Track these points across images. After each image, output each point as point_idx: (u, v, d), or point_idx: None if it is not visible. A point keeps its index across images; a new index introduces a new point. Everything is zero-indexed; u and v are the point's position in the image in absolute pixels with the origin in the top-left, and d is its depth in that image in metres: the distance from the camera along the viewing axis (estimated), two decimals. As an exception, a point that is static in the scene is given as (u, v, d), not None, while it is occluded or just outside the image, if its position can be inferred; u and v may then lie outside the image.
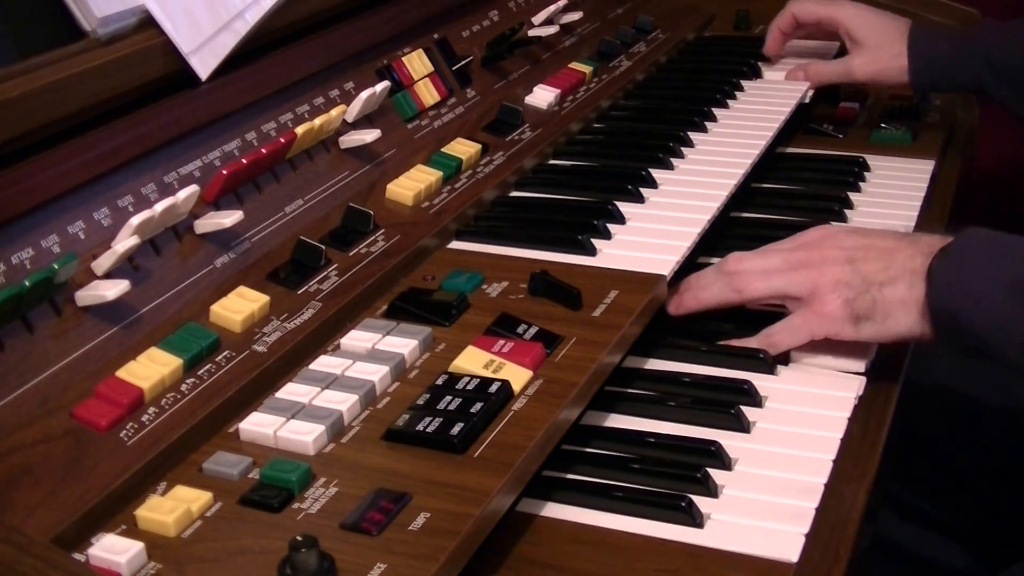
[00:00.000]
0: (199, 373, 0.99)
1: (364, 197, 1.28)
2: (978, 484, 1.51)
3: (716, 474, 1.04)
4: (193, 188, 1.08)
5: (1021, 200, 2.32)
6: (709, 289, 1.23)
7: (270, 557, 0.80)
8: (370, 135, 1.31)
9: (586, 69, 1.72)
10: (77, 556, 0.82)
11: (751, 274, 1.20)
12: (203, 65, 1.16)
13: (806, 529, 0.97)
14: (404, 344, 1.07)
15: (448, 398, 0.99)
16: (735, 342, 1.22)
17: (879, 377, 1.19)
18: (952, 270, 1.10)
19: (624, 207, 1.37)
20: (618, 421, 1.14)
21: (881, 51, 1.74)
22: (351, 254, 1.19)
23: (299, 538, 0.78)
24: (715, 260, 1.40)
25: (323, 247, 1.16)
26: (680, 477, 1.03)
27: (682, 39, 1.99)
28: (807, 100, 1.81)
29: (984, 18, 1.74)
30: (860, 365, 1.19)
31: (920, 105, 1.87)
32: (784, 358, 1.21)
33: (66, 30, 1.09)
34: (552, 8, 1.72)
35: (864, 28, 1.76)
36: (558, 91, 1.62)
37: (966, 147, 1.85)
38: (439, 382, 1.03)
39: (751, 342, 1.21)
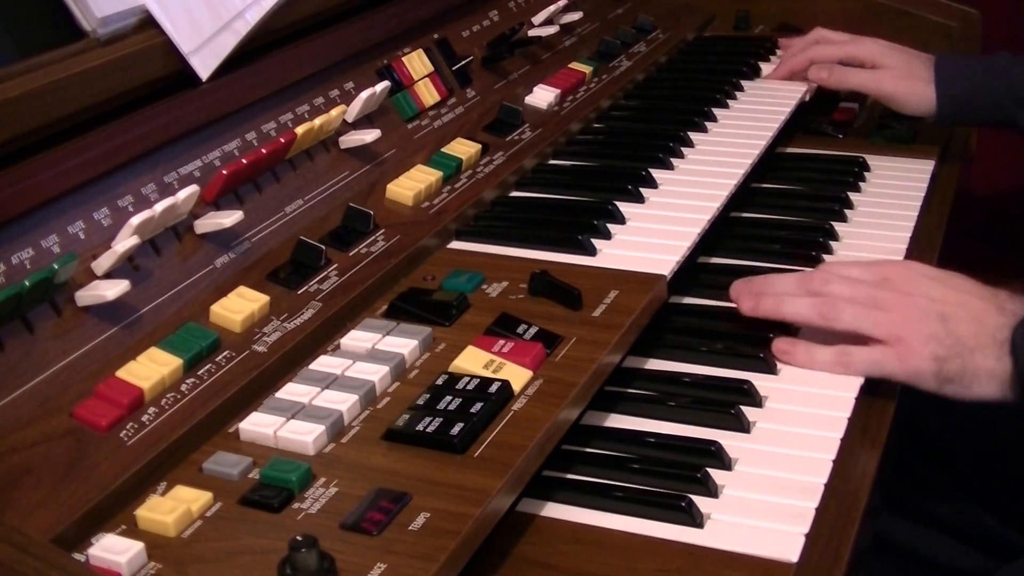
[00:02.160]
0: (199, 373, 0.99)
1: (364, 197, 1.28)
2: (979, 483, 1.51)
3: (716, 474, 1.04)
4: (193, 188, 1.08)
5: (1021, 200, 2.32)
6: (792, 304, 1.20)
7: (270, 557, 0.80)
8: (370, 135, 1.31)
9: (586, 69, 1.72)
10: (77, 556, 0.82)
11: (840, 302, 1.18)
12: (203, 65, 1.16)
13: (806, 529, 0.97)
14: (404, 344, 1.07)
15: (448, 398, 0.99)
16: (800, 353, 1.19)
17: (878, 379, 1.19)
18: None
19: (624, 207, 1.37)
20: (618, 421, 1.14)
21: (911, 78, 1.70)
22: (351, 254, 1.19)
23: (299, 538, 0.78)
24: (715, 260, 1.40)
25: (323, 247, 1.16)
26: (680, 477, 1.03)
27: (682, 39, 1.99)
28: (807, 99, 1.80)
29: (1001, 52, 1.70)
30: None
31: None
32: None
33: (66, 30, 1.09)
34: (552, 8, 1.72)
35: (890, 58, 1.73)
36: (558, 91, 1.62)
37: (966, 147, 1.84)
38: (439, 382, 1.03)
39: (823, 352, 1.18)
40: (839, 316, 1.18)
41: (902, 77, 1.71)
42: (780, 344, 1.21)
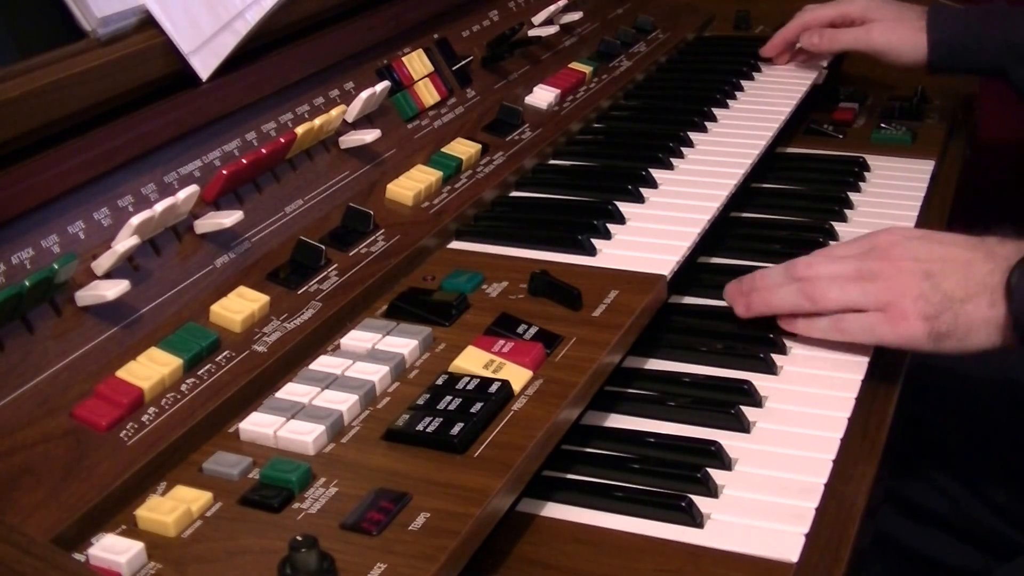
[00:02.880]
0: (199, 373, 0.99)
1: (364, 197, 1.28)
2: (980, 482, 1.51)
3: (716, 474, 1.04)
4: (193, 188, 1.08)
5: (1021, 198, 2.32)
6: (779, 294, 1.21)
7: (270, 557, 0.80)
8: (370, 135, 1.31)
9: (586, 69, 1.72)
10: (77, 556, 0.82)
11: (824, 281, 1.19)
12: (203, 65, 1.16)
13: (806, 529, 0.97)
14: (404, 344, 1.07)
15: (448, 398, 0.99)
16: (800, 323, 1.20)
17: (880, 375, 1.20)
18: None
19: (624, 207, 1.37)
20: (618, 421, 1.14)
21: (901, 24, 1.73)
22: (351, 254, 1.19)
23: (299, 538, 0.78)
24: (715, 260, 1.40)
25: (323, 247, 1.16)
26: (680, 477, 1.03)
27: (682, 39, 1.99)
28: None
29: (997, 1, 1.72)
30: (860, 362, 1.19)
31: (920, 104, 1.87)
32: (782, 348, 1.22)
33: (66, 30, 1.09)
34: (552, 8, 1.72)
35: (881, 10, 1.76)
36: (558, 91, 1.62)
37: (966, 147, 1.85)
38: (439, 382, 1.03)
39: (820, 322, 1.19)
40: (825, 295, 1.18)
41: (891, 27, 1.74)
42: (783, 321, 1.21)
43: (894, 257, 1.18)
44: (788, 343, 1.23)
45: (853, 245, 1.22)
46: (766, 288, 1.22)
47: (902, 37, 1.73)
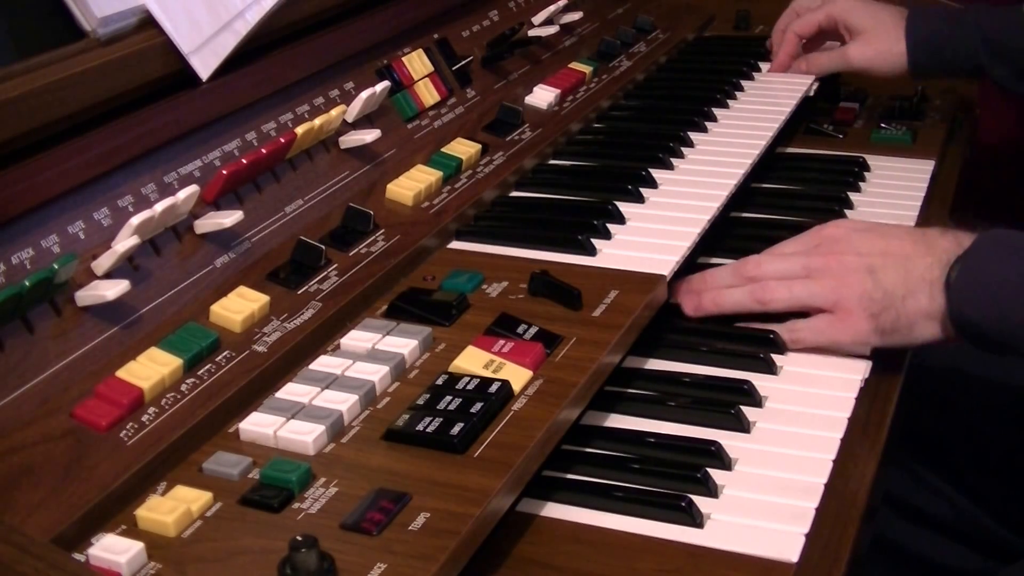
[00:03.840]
0: (199, 373, 0.99)
1: (364, 197, 1.28)
2: (978, 483, 1.51)
3: (716, 474, 1.04)
4: (193, 188, 1.08)
5: (1021, 198, 2.32)
6: (730, 295, 1.22)
7: (270, 557, 0.80)
8: (370, 135, 1.31)
9: (586, 69, 1.72)
10: (77, 556, 0.82)
11: (772, 282, 1.19)
12: (204, 65, 1.16)
13: (806, 529, 0.97)
14: (404, 344, 1.07)
15: (448, 398, 0.99)
16: (755, 325, 1.21)
17: (880, 375, 1.19)
18: (969, 280, 1.10)
19: (624, 207, 1.37)
20: (618, 421, 1.14)
21: (878, 37, 1.74)
22: (351, 254, 1.19)
23: (299, 538, 0.78)
24: (715, 260, 1.40)
25: (323, 247, 1.16)
26: (680, 477, 1.03)
27: (682, 39, 1.99)
28: (812, 94, 1.81)
29: (975, 3, 1.74)
30: (860, 362, 1.19)
31: (920, 104, 1.87)
32: (781, 348, 1.22)
33: (66, 30, 1.09)
34: (552, 8, 1.72)
35: (860, 17, 1.77)
36: (558, 91, 1.62)
37: (966, 147, 1.85)
38: (439, 382, 1.03)
39: (773, 327, 1.20)
40: (773, 296, 1.19)
41: (869, 42, 1.75)
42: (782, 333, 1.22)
43: (838, 251, 1.19)
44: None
45: (802, 240, 1.23)
46: (716, 288, 1.23)
47: (879, 52, 1.74)
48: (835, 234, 1.21)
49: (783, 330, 1.20)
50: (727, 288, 1.23)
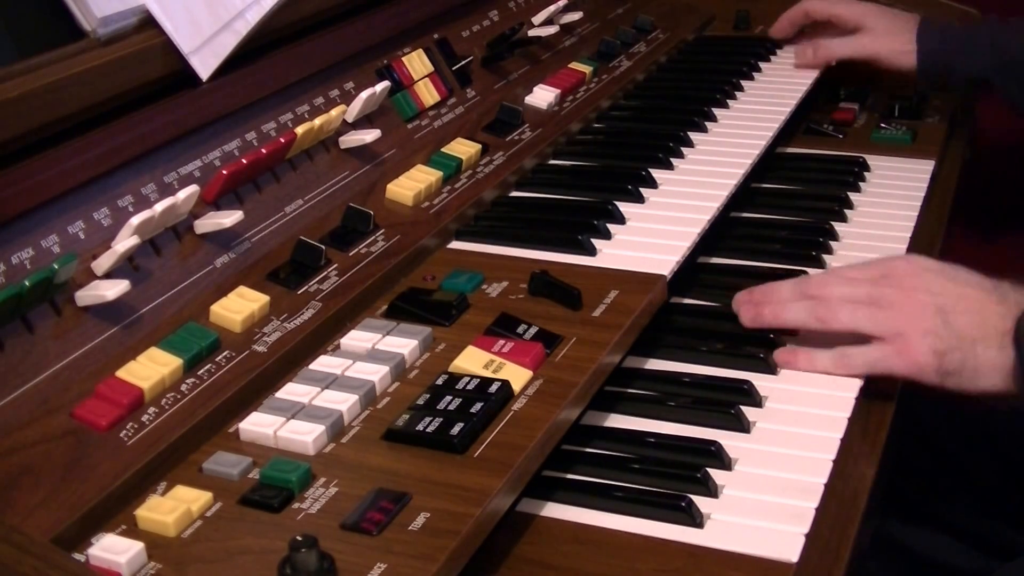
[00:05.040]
0: (199, 373, 0.99)
1: (364, 197, 1.28)
2: (979, 482, 1.51)
3: (716, 474, 1.04)
4: (193, 188, 1.08)
5: (1021, 198, 2.32)
6: (791, 310, 1.20)
7: (270, 557, 0.80)
8: (370, 135, 1.31)
9: (586, 69, 1.72)
10: (77, 556, 0.82)
11: (836, 304, 1.18)
12: (204, 65, 1.16)
13: (806, 529, 0.97)
14: (404, 344, 1.07)
15: (448, 398, 0.99)
16: (801, 358, 1.19)
17: (880, 376, 1.19)
18: None
19: (624, 207, 1.37)
20: (618, 421, 1.14)
21: (892, 36, 1.78)
22: (351, 254, 1.19)
23: (299, 538, 0.78)
24: (715, 260, 1.40)
25: (323, 247, 1.16)
26: (680, 477, 1.03)
27: (682, 39, 1.99)
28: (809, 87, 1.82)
29: (987, 15, 1.76)
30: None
31: (920, 104, 1.87)
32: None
33: (66, 30, 1.09)
34: (552, 8, 1.72)
35: (874, 19, 1.80)
36: (558, 91, 1.62)
37: (966, 147, 1.85)
38: (439, 382, 1.03)
39: (824, 356, 1.18)
40: (836, 317, 1.18)
41: (883, 35, 1.78)
42: (782, 355, 1.20)
43: (908, 288, 1.17)
44: (788, 343, 1.23)
45: (866, 269, 1.21)
46: (777, 301, 1.21)
47: (892, 47, 1.78)
48: (905, 269, 1.19)
49: (835, 358, 1.18)
50: (788, 303, 1.21)
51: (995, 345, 1.12)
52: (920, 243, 1.47)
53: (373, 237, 1.23)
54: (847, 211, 1.53)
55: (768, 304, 1.22)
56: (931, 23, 1.77)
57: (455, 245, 1.31)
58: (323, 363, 1.05)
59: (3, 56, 1.05)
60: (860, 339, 1.17)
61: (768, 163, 1.65)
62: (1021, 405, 1.15)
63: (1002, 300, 1.14)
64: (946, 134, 1.81)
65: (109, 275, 1.01)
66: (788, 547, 0.95)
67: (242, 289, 1.08)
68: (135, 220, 1.01)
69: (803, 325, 1.20)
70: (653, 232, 1.33)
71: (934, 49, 1.73)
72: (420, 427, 0.95)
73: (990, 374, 1.12)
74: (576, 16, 1.78)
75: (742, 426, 1.10)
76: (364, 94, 1.32)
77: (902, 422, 1.22)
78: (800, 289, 1.21)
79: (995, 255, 2.20)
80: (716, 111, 1.69)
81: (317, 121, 1.24)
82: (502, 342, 1.07)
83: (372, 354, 1.06)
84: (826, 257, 1.41)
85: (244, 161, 1.14)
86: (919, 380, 1.15)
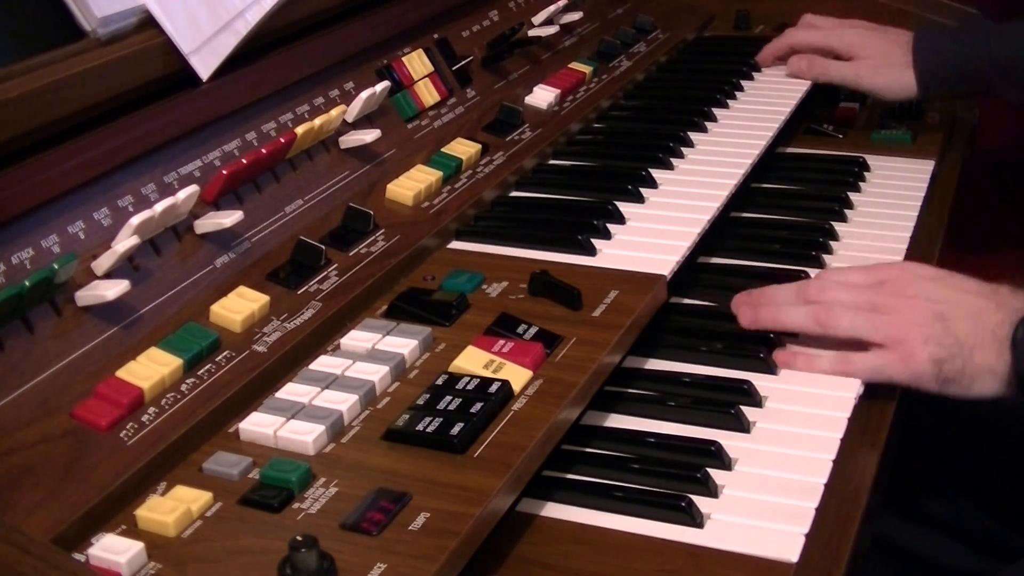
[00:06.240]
0: (199, 373, 0.99)
1: (364, 197, 1.28)
2: (978, 483, 1.51)
3: (716, 474, 1.04)
4: (193, 188, 1.08)
5: (1021, 198, 2.32)
6: (790, 314, 1.21)
7: (270, 557, 0.80)
8: (370, 135, 1.31)
9: (586, 69, 1.72)
10: (77, 556, 0.82)
11: (836, 308, 1.18)
12: (204, 65, 1.16)
13: (806, 529, 0.97)
14: (404, 344, 1.07)
15: (448, 398, 0.99)
16: (800, 360, 1.19)
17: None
18: None
19: (624, 207, 1.37)
20: (618, 421, 1.14)
21: (889, 66, 1.72)
22: (351, 254, 1.19)
23: (299, 538, 0.78)
24: (715, 260, 1.40)
25: (323, 247, 1.16)
26: (680, 477, 1.03)
27: (682, 39, 1.99)
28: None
29: (984, 19, 1.75)
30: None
31: (920, 105, 1.87)
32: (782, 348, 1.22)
33: (66, 30, 1.09)
34: (552, 8, 1.72)
35: (868, 48, 1.74)
36: (558, 91, 1.62)
37: (966, 147, 1.85)
38: (439, 382, 1.03)
39: (824, 359, 1.18)
40: (837, 322, 1.18)
41: (879, 67, 1.73)
42: (781, 356, 1.21)
43: (907, 295, 1.17)
44: (788, 343, 1.23)
45: (865, 274, 1.22)
46: (776, 304, 1.22)
47: (890, 78, 1.72)
48: (902, 276, 1.20)
49: (835, 362, 1.18)
50: (788, 306, 1.22)
51: (993, 352, 1.12)
52: (920, 243, 1.47)
53: (373, 237, 1.23)
54: (847, 211, 1.53)
55: (767, 307, 1.22)
56: (926, 37, 1.71)
57: (455, 245, 1.31)
58: (323, 363, 1.05)
59: (3, 56, 1.04)
60: (859, 343, 1.18)
61: (768, 163, 1.65)
62: (1017, 408, 1.15)
63: (1000, 306, 1.15)
64: (946, 134, 1.81)
65: (109, 275, 1.01)
66: (788, 547, 0.95)
67: (242, 289, 1.08)
68: (135, 220, 1.01)
69: (803, 329, 1.21)
70: (653, 232, 1.33)
71: (933, 68, 1.69)
72: (420, 427, 0.95)
73: (987, 380, 1.13)
74: (576, 16, 1.78)
75: (742, 426, 1.10)
76: (364, 94, 1.32)
77: (902, 423, 1.22)
78: (800, 293, 1.22)
79: (995, 255, 2.20)
80: (716, 111, 1.69)
81: (317, 121, 1.24)
82: (502, 342, 1.07)
83: (372, 354, 1.06)
84: (826, 257, 1.41)
85: (244, 161, 1.14)
86: (918, 387, 1.16)
